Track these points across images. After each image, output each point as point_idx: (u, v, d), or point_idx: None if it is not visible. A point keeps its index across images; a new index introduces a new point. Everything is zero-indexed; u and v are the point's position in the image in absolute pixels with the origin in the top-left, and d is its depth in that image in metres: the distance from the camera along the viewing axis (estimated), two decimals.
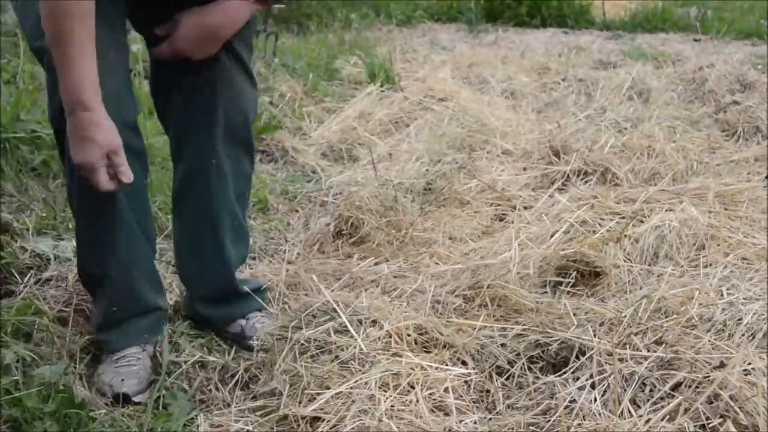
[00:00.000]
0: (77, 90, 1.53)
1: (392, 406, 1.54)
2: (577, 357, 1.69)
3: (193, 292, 2.07)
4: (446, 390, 1.62)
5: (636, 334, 1.71)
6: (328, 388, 1.61)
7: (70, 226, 2.44)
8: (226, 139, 1.90)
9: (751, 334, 1.70)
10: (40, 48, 1.64)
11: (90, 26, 1.53)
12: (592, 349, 1.67)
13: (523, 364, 1.74)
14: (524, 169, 3.17)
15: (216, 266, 2.01)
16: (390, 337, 1.74)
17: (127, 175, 1.61)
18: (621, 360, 1.62)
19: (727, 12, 7.96)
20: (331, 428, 1.53)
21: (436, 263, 2.36)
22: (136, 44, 3.48)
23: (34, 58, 4.13)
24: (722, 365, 1.54)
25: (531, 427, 1.55)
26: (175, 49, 1.78)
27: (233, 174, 1.94)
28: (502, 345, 1.79)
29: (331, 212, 2.78)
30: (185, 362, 1.93)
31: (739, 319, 1.75)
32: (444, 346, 1.76)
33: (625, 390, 1.55)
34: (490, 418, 1.59)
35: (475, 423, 1.56)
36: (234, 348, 2.01)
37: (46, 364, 1.80)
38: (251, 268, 2.47)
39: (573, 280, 2.11)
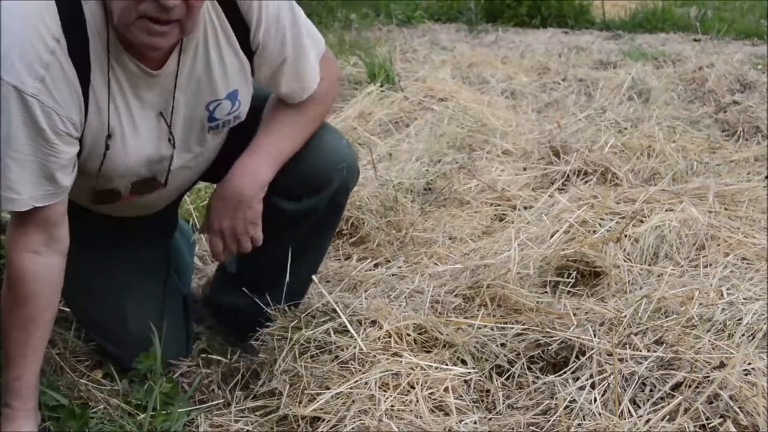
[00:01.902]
0: (5, 388, 1.57)
1: (392, 406, 1.54)
2: (577, 357, 1.69)
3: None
4: (446, 390, 1.62)
5: (636, 334, 1.71)
6: (328, 388, 1.61)
7: None
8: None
9: (751, 334, 1.70)
10: None
11: (43, 335, 1.58)
12: (592, 349, 1.67)
13: (523, 364, 1.73)
14: (524, 169, 3.17)
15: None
16: (390, 337, 1.74)
17: None
18: (621, 360, 1.62)
19: (727, 12, 7.95)
20: (331, 428, 1.53)
21: (436, 263, 2.36)
22: None
23: None
24: (722, 365, 1.54)
25: (531, 427, 1.55)
26: (215, 230, 1.76)
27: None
28: (502, 345, 1.79)
29: None
30: (185, 362, 1.93)
31: (739, 319, 1.75)
32: (444, 346, 1.76)
33: (625, 390, 1.55)
34: (490, 418, 1.59)
35: (475, 423, 1.56)
36: (235, 348, 2.01)
37: (47, 365, 1.80)
38: None
39: (573, 280, 2.11)
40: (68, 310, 2.00)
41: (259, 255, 1.82)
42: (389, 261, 2.43)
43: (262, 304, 1.85)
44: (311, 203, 1.83)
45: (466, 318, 1.90)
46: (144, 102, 1.59)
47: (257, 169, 1.73)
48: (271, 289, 1.87)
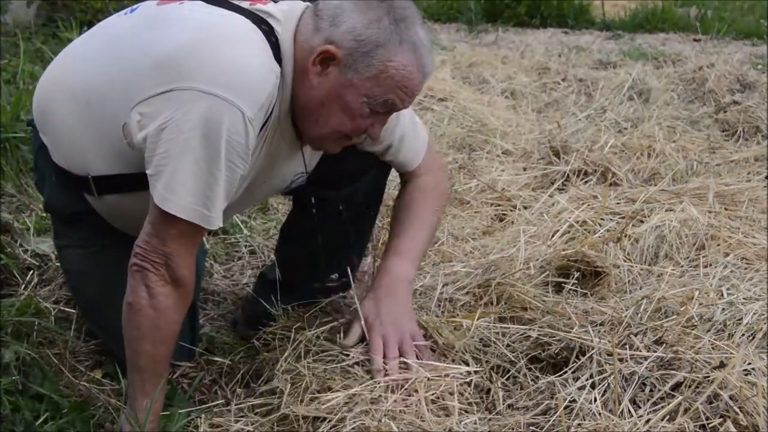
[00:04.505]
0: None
1: (393, 406, 1.54)
2: (577, 357, 1.69)
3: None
4: (446, 390, 1.62)
5: (636, 334, 1.71)
6: (329, 388, 1.61)
7: None
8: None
9: (751, 334, 1.70)
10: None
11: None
12: (593, 349, 1.67)
13: (524, 364, 1.73)
14: (524, 169, 3.17)
15: None
16: None
17: None
18: (621, 360, 1.62)
19: (727, 12, 7.96)
20: (331, 428, 1.53)
21: (441, 262, 2.36)
22: None
23: (34, 58, 4.15)
24: (722, 365, 1.54)
25: (531, 427, 1.54)
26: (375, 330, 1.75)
27: None
28: (503, 345, 1.79)
29: None
30: (186, 362, 1.93)
31: (739, 319, 1.75)
32: (444, 346, 1.76)
33: (625, 390, 1.55)
34: (490, 418, 1.59)
35: (475, 423, 1.56)
36: (235, 348, 2.01)
37: (47, 365, 1.80)
38: (252, 269, 2.48)
39: (575, 281, 2.11)
40: (72, 310, 2.00)
41: (303, 249, 1.92)
42: None
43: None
44: (351, 190, 1.89)
45: (466, 318, 1.89)
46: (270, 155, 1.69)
47: (405, 269, 1.83)
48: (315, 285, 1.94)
